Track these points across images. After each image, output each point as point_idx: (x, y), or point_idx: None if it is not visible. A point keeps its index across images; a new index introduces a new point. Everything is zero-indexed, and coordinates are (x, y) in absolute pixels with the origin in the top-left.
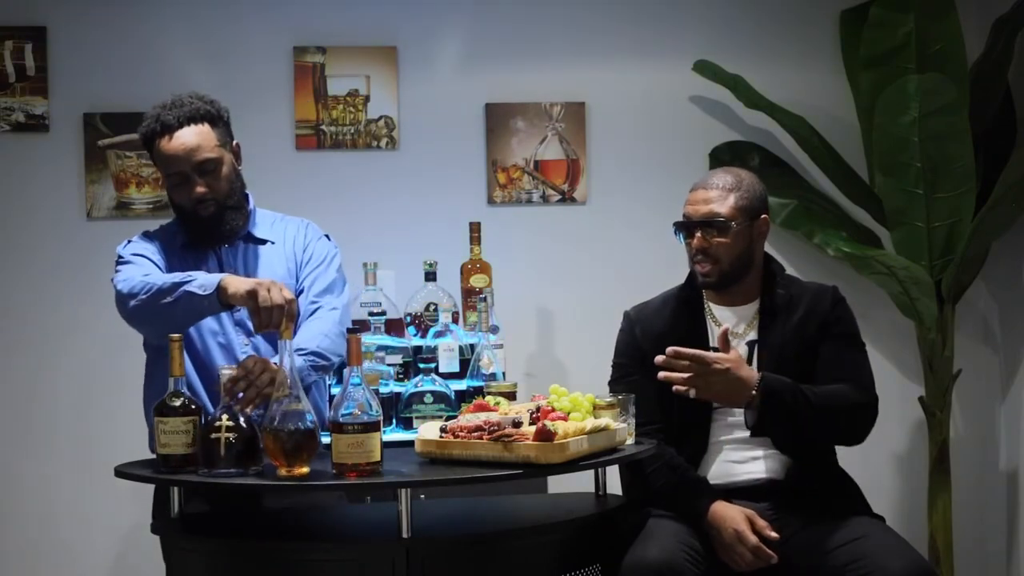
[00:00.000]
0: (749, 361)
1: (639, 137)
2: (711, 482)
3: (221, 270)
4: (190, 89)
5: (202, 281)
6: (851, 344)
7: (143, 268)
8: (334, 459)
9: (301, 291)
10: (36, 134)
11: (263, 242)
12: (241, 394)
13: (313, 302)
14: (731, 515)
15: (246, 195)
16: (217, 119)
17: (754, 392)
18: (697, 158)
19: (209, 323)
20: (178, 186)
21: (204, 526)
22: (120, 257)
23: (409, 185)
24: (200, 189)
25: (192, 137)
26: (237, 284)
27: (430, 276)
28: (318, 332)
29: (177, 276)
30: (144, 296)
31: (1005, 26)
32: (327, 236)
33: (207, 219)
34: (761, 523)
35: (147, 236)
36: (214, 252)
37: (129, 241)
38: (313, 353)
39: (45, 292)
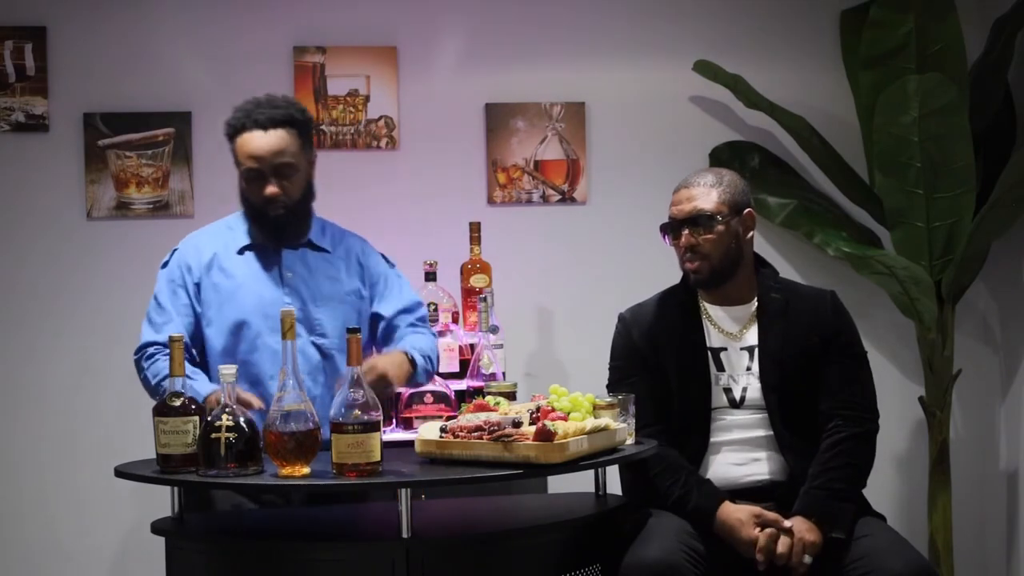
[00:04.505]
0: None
1: (639, 137)
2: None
3: (282, 274)
4: (189, 89)
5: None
6: (855, 362)
7: (160, 333)
8: (334, 459)
9: (373, 305)
10: (36, 134)
11: (322, 250)
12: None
13: (403, 320)
14: (735, 521)
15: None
16: (304, 127)
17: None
18: (697, 158)
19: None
20: (251, 181)
21: (204, 526)
22: (156, 290)
23: (409, 185)
24: (272, 189)
25: (276, 140)
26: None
27: (430, 276)
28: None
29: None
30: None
31: (1005, 26)
32: (384, 257)
33: (275, 219)
34: (770, 516)
35: (194, 246)
36: (276, 255)
37: (172, 252)
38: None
39: (45, 292)
